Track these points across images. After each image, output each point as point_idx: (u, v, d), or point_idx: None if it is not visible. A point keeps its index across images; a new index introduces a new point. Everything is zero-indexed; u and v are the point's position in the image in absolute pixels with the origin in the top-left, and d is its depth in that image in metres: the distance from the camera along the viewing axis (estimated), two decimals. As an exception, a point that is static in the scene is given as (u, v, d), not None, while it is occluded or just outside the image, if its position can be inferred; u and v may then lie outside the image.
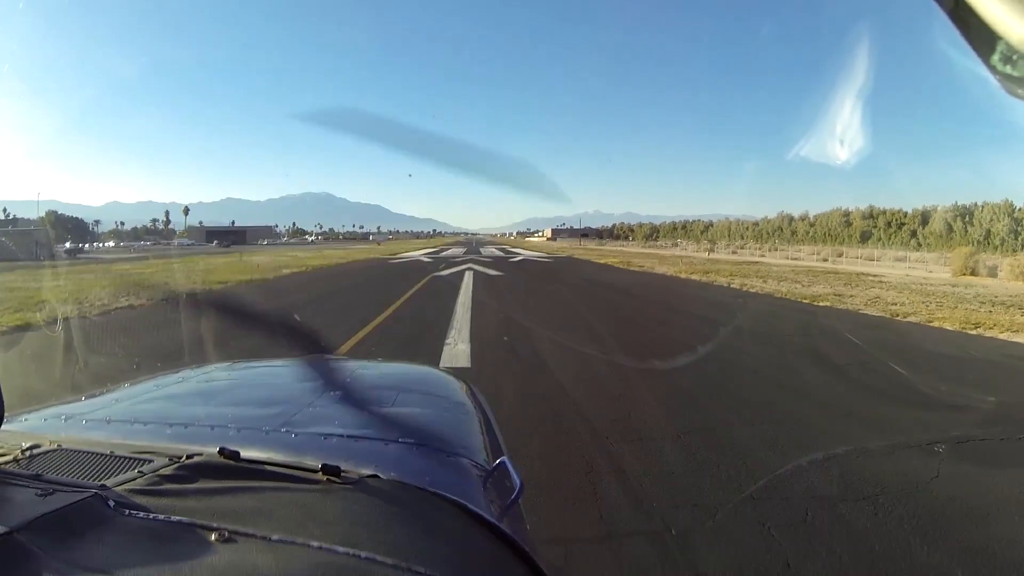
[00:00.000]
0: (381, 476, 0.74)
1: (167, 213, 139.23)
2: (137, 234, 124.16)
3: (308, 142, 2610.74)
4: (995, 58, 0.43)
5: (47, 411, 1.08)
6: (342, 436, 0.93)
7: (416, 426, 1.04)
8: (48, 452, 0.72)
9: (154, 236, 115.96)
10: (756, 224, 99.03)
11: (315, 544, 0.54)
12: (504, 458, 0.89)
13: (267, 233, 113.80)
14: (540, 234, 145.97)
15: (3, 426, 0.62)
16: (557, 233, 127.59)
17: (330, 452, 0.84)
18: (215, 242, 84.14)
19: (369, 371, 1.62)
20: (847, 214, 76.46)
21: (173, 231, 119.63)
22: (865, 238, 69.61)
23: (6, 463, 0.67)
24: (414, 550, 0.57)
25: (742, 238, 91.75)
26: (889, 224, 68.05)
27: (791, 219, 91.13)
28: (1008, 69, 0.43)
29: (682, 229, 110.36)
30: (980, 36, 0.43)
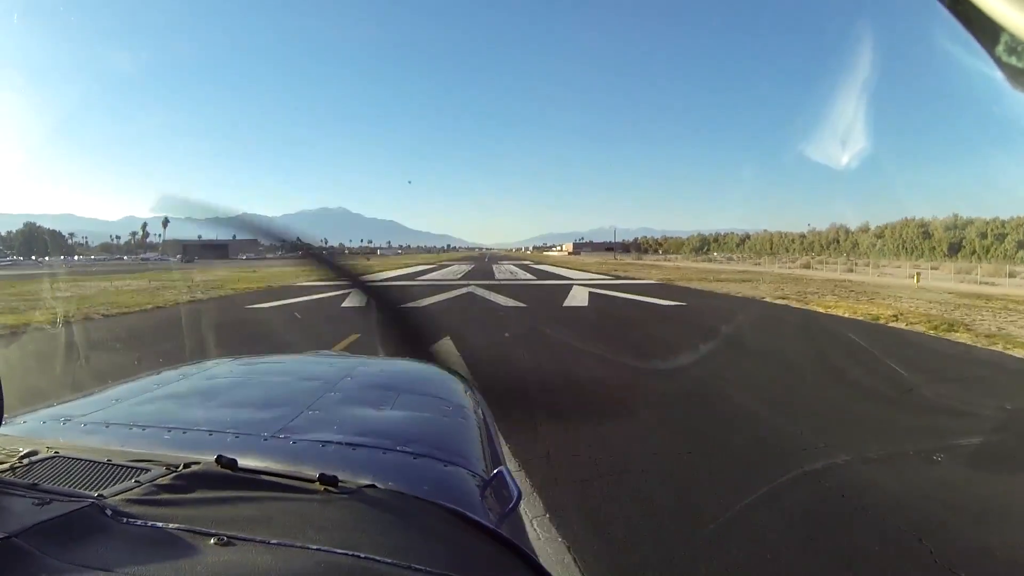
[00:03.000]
0: (379, 486, 0.73)
1: (144, 226, 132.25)
2: (129, 247, 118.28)
3: (325, 159, 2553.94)
4: (1000, 49, 0.42)
5: (45, 412, 1.07)
6: (340, 444, 0.92)
7: (414, 433, 1.03)
8: (45, 460, 0.72)
9: (141, 250, 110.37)
10: (803, 236, 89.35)
11: (314, 547, 0.53)
12: (503, 468, 0.87)
13: (251, 247, 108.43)
14: (559, 248, 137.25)
15: (1, 429, 0.63)
16: (580, 247, 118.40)
17: (328, 461, 0.85)
18: (177, 256, 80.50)
19: (369, 369, 1.60)
20: (924, 224, 66.04)
21: (163, 243, 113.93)
22: (954, 251, 59.02)
23: (3, 471, 0.67)
24: (413, 552, 0.57)
25: (787, 251, 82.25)
26: (983, 235, 57.36)
27: (847, 231, 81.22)
28: (1013, 60, 0.42)
29: (714, 242, 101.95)
30: (983, 29, 0.42)
